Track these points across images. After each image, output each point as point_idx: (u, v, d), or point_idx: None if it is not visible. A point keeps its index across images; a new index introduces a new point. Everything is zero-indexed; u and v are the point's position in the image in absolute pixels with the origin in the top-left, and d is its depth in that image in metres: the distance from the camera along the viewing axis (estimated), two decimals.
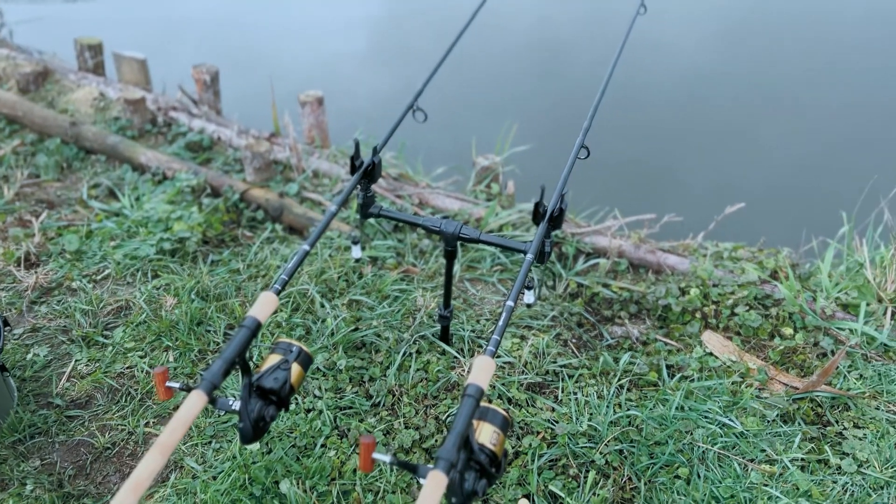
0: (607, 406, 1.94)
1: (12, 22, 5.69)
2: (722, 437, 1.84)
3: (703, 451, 1.80)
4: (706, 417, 1.89)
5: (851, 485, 1.71)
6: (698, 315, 2.29)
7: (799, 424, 1.90)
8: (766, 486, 1.69)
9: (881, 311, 2.25)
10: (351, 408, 1.95)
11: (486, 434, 1.31)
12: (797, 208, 4.04)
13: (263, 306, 1.42)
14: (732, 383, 2.02)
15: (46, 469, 1.81)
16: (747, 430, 1.86)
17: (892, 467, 1.75)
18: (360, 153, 1.78)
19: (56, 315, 2.32)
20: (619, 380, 2.04)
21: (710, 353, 2.16)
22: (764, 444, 1.82)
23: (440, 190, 3.00)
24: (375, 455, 1.22)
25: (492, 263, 2.59)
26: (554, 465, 1.77)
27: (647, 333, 2.27)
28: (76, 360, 2.14)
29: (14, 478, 1.76)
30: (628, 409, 1.92)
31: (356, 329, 2.19)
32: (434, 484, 1.10)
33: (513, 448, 1.81)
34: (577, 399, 1.97)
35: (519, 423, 1.89)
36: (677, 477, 1.73)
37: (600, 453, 1.78)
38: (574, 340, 2.24)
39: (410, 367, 2.05)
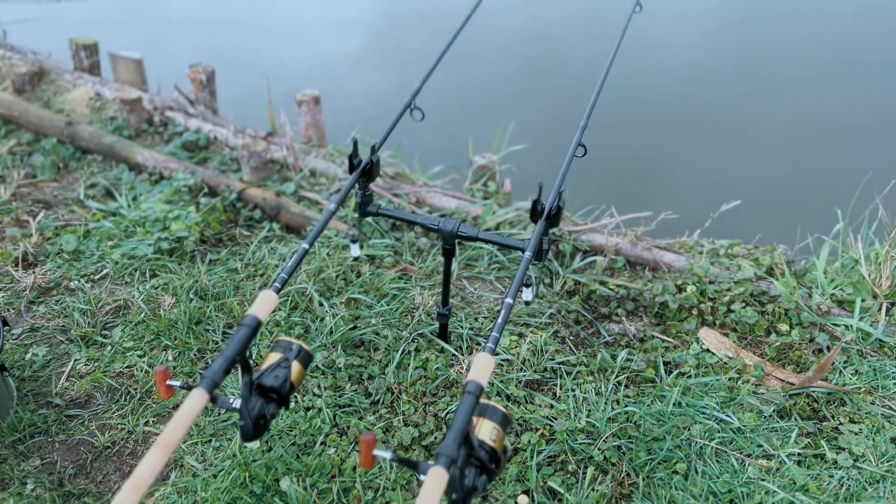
0: (605, 402, 1.95)
1: (6, 22, 5.68)
2: (719, 432, 1.85)
3: (701, 447, 1.81)
4: (703, 413, 1.91)
5: (847, 479, 1.73)
6: (695, 312, 2.31)
7: (795, 420, 1.91)
8: (763, 480, 1.70)
9: (876, 307, 2.26)
10: (350, 406, 1.96)
11: (485, 430, 1.32)
12: (792, 205, 4.06)
13: (263, 305, 1.43)
14: (729, 379, 2.04)
15: (47, 468, 1.81)
16: (744, 426, 1.87)
17: (887, 461, 1.77)
18: (359, 152, 1.79)
19: (54, 315, 2.32)
20: (617, 376, 2.05)
21: (707, 350, 2.18)
22: (761, 440, 1.84)
23: (437, 188, 3.00)
24: (376, 452, 1.23)
25: (489, 262, 2.59)
26: (553, 462, 1.78)
27: (644, 330, 2.28)
28: (75, 360, 2.14)
29: (14, 477, 1.77)
30: (626, 406, 1.93)
31: (355, 327, 2.20)
32: (435, 480, 1.11)
33: (512, 445, 1.82)
34: (575, 396, 1.98)
35: (518, 419, 1.90)
36: (675, 472, 1.75)
37: (599, 449, 1.79)
38: (572, 338, 2.25)
39: (409, 364, 2.06)
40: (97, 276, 2.49)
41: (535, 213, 1.65)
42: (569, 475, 1.74)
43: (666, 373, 2.08)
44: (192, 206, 2.83)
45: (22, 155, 3.33)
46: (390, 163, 3.28)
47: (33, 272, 2.49)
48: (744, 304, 2.29)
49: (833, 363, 2.08)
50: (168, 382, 1.39)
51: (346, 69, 6.26)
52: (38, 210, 2.89)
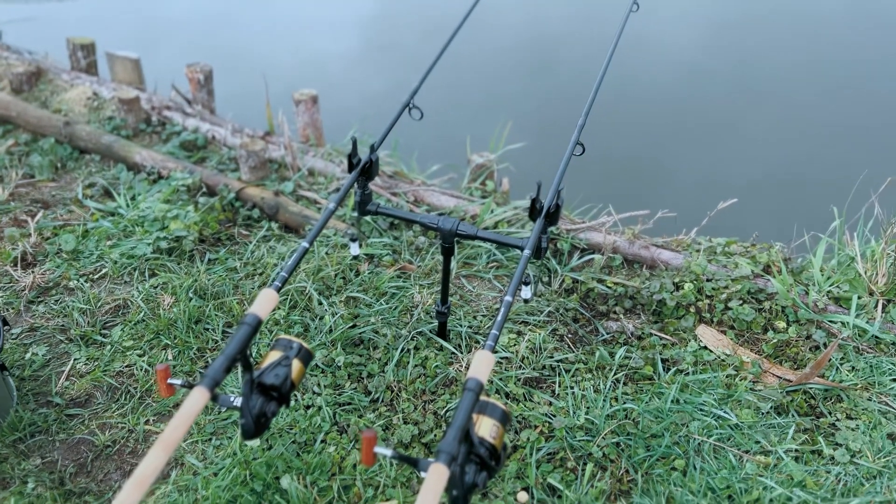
0: (604, 400, 1.96)
1: (2, 22, 5.67)
2: (717, 429, 1.86)
3: (699, 443, 1.82)
4: (701, 410, 1.92)
5: (844, 475, 1.74)
6: (692, 309, 2.32)
7: (793, 416, 1.93)
8: (760, 476, 1.72)
9: (872, 303, 2.28)
10: (350, 404, 1.96)
11: (485, 427, 1.33)
12: (789, 203, 4.08)
13: (264, 303, 1.44)
14: (727, 376, 2.05)
15: (47, 467, 1.82)
16: (742, 422, 1.88)
17: (884, 457, 1.78)
18: (358, 151, 1.80)
19: (54, 314, 2.32)
20: (615, 374, 2.06)
21: (705, 347, 2.19)
22: (758, 436, 1.85)
23: (435, 187, 3.01)
24: (377, 449, 1.24)
25: (487, 260, 2.60)
26: (552, 459, 1.79)
27: (641, 328, 2.29)
28: (75, 359, 2.15)
29: (15, 476, 1.77)
30: (624, 403, 1.94)
31: (354, 326, 2.21)
32: (436, 476, 1.12)
33: (511, 442, 1.83)
34: (573, 393, 1.99)
35: (517, 417, 1.91)
36: (674, 469, 1.76)
37: (597, 446, 1.81)
38: (570, 335, 2.26)
39: (408, 363, 2.07)
40: (96, 276, 2.49)
41: (533, 211, 1.66)
42: (568, 472, 1.75)
43: (664, 370, 2.09)
44: (191, 205, 2.84)
45: (20, 155, 3.33)
46: (388, 162, 3.29)
47: (32, 272, 2.49)
48: (741, 302, 2.31)
49: (830, 360, 2.09)
50: (169, 381, 1.39)
51: (342, 69, 6.27)
52: (36, 210, 2.89)
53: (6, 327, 2.21)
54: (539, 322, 2.27)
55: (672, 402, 1.93)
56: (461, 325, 2.22)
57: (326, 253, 2.53)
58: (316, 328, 2.20)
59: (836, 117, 5.13)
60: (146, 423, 1.95)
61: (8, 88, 3.92)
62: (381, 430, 1.88)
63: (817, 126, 5.05)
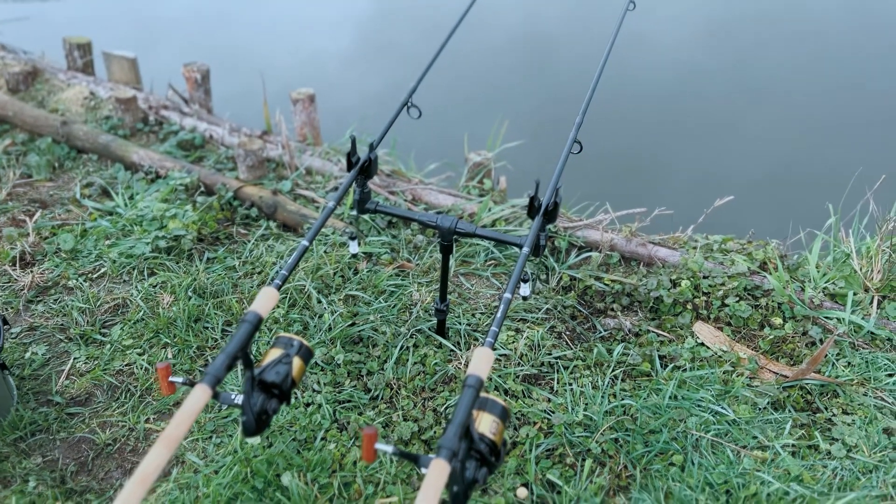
0: (602, 396, 1.97)
1: None
2: (714, 424, 1.88)
3: (697, 439, 1.84)
4: (699, 406, 1.93)
5: (841, 469, 1.75)
6: (689, 306, 2.33)
7: (789, 411, 1.94)
8: (758, 471, 1.73)
9: (867, 300, 2.29)
10: (350, 401, 1.97)
11: (485, 424, 1.34)
12: (785, 200, 4.10)
13: (265, 301, 1.45)
14: (724, 372, 2.06)
15: (48, 466, 1.82)
16: (739, 418, 1.90)
17: (880, 451, 1.79)
18: (357, 149, 1.80)
19: (53, 314, 2.32)
20: (613, 370, 2.07)
21: (702, 344, 2.20)
22: (755, 431, 1.86)
23: (433, 186, 3.02)
24: (378, 445, 1.25)
25: (485, 258, 2.61)
26: (551, 455, 1.81)
27: (639, 325, 2.30)
28: (75, 358, 2.15)
29: (16, 475, 1.78)
30: (622, 399, 1.96)
31: (353, 324, 2.22)
32: (437, 472, 1.12)
33: (510, 438, 1.84)
34: (572, 390, 2.00)
35: (516, 413, 1.92)
36: (672, 464, 1.77)
37: (596, 442, 1.82)
38: (568, 333, 2.27)
39: (408, 360, 2.08)
40: (95, 275, 2.50)
41: (532, 209, 1.67)
42: (567, 468, 1.76)
43: (661, 366, 2.10)
44: (189, 204, 2.84)
45: (17, 154, 3.33)
46: (386, 160, 3.29)
47: (31, 271, 2.49)
48: (738, 299, 2.32)
49: (826, 356, 2.11)
50: (170, 379, 1.40)
51: (339, 68, 6.27)
52: (34, 210, 2.89)
53: (6, 326, 2.22)
54: (537, 319, 2.29)
55: (670, 398, 1.95)
56: (460, 323, 2.23)
57: (325, 251, 2.54)
58: (315, 326, 2.21)
59: (831, 115, 5.15)
60: (146, 421, 1.95)
61: (4, 88, 3.92)
62: (381, 427, 1.89)
63: (813, 124, 5.07)
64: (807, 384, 2.02)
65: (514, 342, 2.15)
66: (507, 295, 1.48)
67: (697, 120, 5.17)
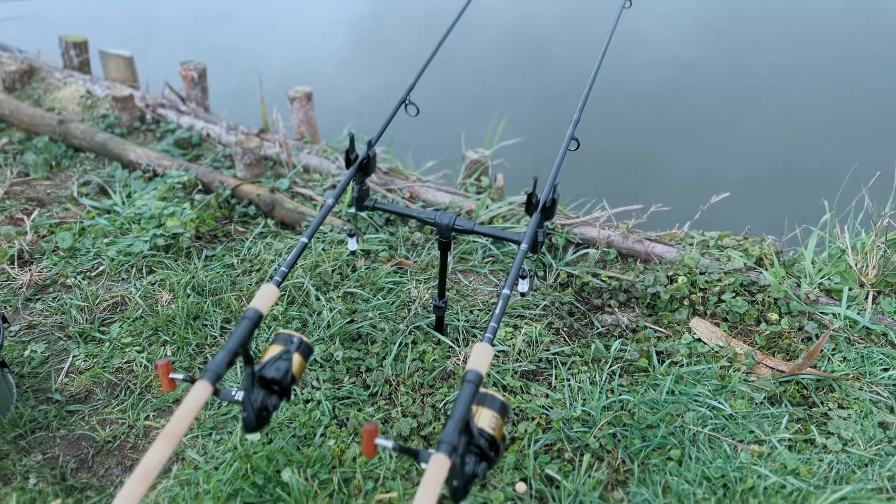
0: (600, 391, 1.98)
1: None
2: (712, 419, 1.89)
3: (694, 434, 1.85)
4: (696, 401, 1.95)
5: (837, 463, 1.77)
6: (686, 302, 2.34)
7: (786, 406, 1.96)
8: (755, 465, 1.74)
9: (863, 295, 2.31)
10: (349, 398, 1.98)
11: (485, 419, 1.35)
12: (780, 197, 4.12)
13: (265, 298, 1.45)
14: (721, 368, 2.07)
15: (49, 463, 1.83)
16: (736, 413, 1.91)
17: (875, 445, 1.81)
18: (355, 147, 1.81)
19: (52, 312, 2.33)
20: (611, 366, 2.08)
21: (699, 339, 2.22)
22: (752, 426, 1.87)
23: (430, 184, 3.03)
24: (378, 441, 1.25)
25: (483, 255, 2.62)
26: (549, 450, 1.82)
27: (636, 321, 2.31)
28: (74, 356, 2.16)
29: (17, 472, 1.78)
30: (620, 395, 1.97)
31: (352, 321, 2.22)
32: (437, 466, 1.13)
33: (509, 434, 1.85)
34: (570, 385, 2.01)
35: (514, 409, 1.93)
36: (669, 458, 1.78)
37: (594, 437, 1.83)
38: (566, 329, 2.28)
39: (406, 357, 2.09)
40: (93, 273, 2.50)
41: (529, 206, 1.68)
42: (565, 463, 1.78)
43: (658, 362, 2.12)
44: (187, 202, 2.85)
45: (14, 153, 3.33)
46: (384, 158, 3.30)
47: (29, 270, 2.49)
48: (734, 294, 2.33)
49: (822, 351, 2.12)
50: (171, 376, 1.41)
51: (334, 67, 6.27)
52: (31, 208, 2.89)
53: (5, 324, 2.22)
54: (535, 316, 2.30)
55: (667, 393, 1.96)
56: (458, 320, 2.24)
57: (323, 249, 2.54)
58: (314, 323, 2.22)
59: (826, 112, 5.17)
60: (146, 418, 1.96)
61: (0, 87, 3.91)
62: (381, 423, 1.90)
63: (808, 121, 5.09)
64: (803, 379, 2.03)
65: (512, 338, 2.16)
66: (506, 291, 1.48)
67: (694, 117, 5.18)
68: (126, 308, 2.34)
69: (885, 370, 2.06)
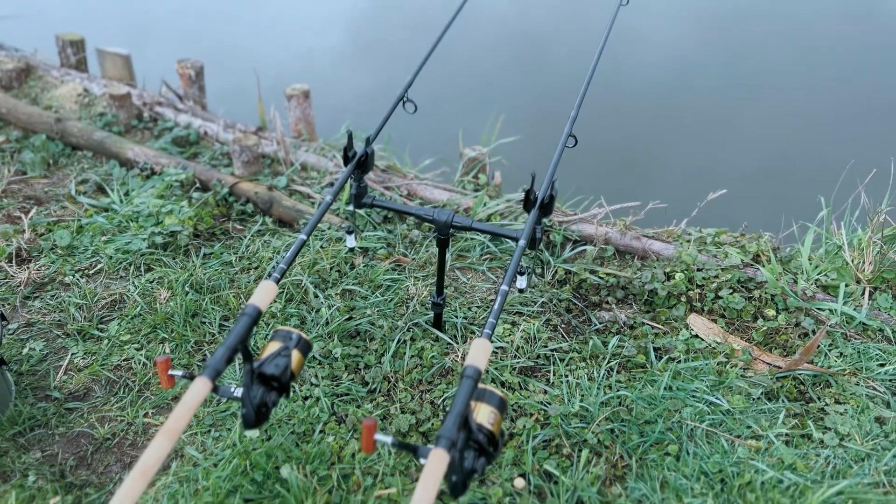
0: (598, 387, 1.99)
1: None
2: (709, 414, 1.90)
3: (692, 429, 1.86)
4: (693, 396, 1.95)
5: (834, 457, 1.78)
6: (683, 299, 2.35)
7: (783, 401, 1.96)
8: (752, 460, 1.75)
9: (859, 291, 2.32)
10: (348, 394, 1.99)
11: (483, 414, 1.35)
12: (777, 194, 4.13)
13: (264, 294, 1.46)
14: (718, 364, 2.08)
15: (48, 460, 1.83)
16: (733, 408, 1.92)
17: (872, 440, 1.82)
18: (353, 144, 1.81)
19: (50, 310, 2.33)
20: (609, 362, 2.09)
21: (696, 336, 2.22)
22: (749, 421, 1.88)
23: (428, 181, 3.03)
24: (377, 436, 1.26)
25: (481, 252, 2.63)
26: (548, 445, 1.82)
27: (634, 317, 2.32)
28: (72, 354, 2.16)
29: (16, 469, 1.78)
30: (618, 391, 1.97)
31: (350, 318, 2.23)
32: (436, 461, 1.14)
33: (507, 430, 1.86)
34: (568, 381, 2.02)
35: (513, 405, 1.93)
36: (667, 454, 1.79)
37: (592, 433, 1.84)
38: (563, 325, 2.29)
39: (405, 353, 2.09)
40: (92, 271, 2.50)
41: (528, 202, 1.68)
42: (564, 458, 1.78)
43: (656, 358, 2.12)
44: (185, 200, 2.85)
45: (11, 152, 3.32)
46: (381, 156, 3.30)
47: (27, 268, 2.49)
48: (731, 291, 2.34)
49: (818, 346, 2.13)
50: (170, 372, 1.41)
51: (331, 65, 6.27)
52: (29, 206, 2.89)
53: (3, 322, 2.22)
54: (533, 313, 2.30)
55: (665, 389, 1.97)
56: (456, 317, 2.25)
57: (321, 247, 2.55)
58: (312, 321, 2.22)
59: (823, 110, 5.19)
60: (145, 415, 1.96)
61: None
62: (379, 419, 1.90)
63: (805, 118, 5.11)
64: (800, 374, 2.04)
65: (510, 335, 2.17)
66: (504, 287, 1.49)
67: (691, 115, 5.19)
68: (124, 306, 2.34)
69: (882, 366, 2.07)
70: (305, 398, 1.97)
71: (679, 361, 2.10)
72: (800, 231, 2.60)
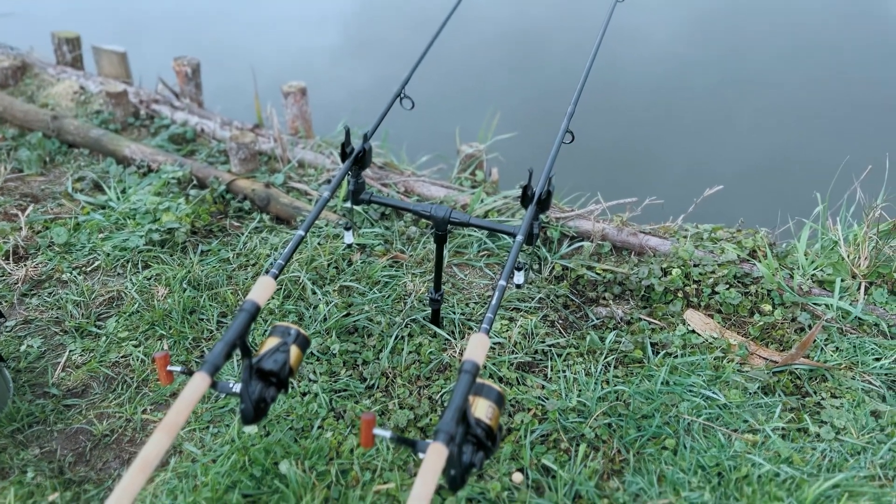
0: (595, 383, 2.00)
1: None
2: (706, 409, 1.91)
3: (689, 423, 1.86)
4: (690, 391, 1.96)
5: (830, 451, 1.79)
6: (680, 294, 2.36)
7: (779, 396, 1.97)
8: (749, 454, 1.76)
9: (855, 286, 2.33)
10: (346, 390, 1.99)
11: (481, 409, 1.36)
12: (773, 189, 4.14)
13: (262, 290, 1.46)
14: (714, 359, 2.09)
15: (46, 457, 1.83)
16: (730, 402, 1.93)
17: (867, 433, 1.83)
18: (351, 140, 1.82)
19: (48, 307, 2.33)
20: (606, 358, 2.10)
21: (693, 331, 2.23)
22: (746, 415, 1.89)
23: (425, 178, 3.03)
24: (376, 431, 1.26)
25: (478, 249, 2.63)
26: (546, 440, 1.83)
27: (631, 313, 2.33)
28: (70, 351, 2.16)
29: (14, 466, 1.79)
30: (615, 385, 1.98)
31: (348, 314, 2.23)
32: (435, 455, 1.14)
33: (505, 425, 1.86)
34: (565, 377, 2.02)
35: (510, 400, 1.94)
36: (664, 448, 1.80)
37: (590, 427, 1.84)
38: (561, 321, 2.29)
39: (403, 349, 2.10)
40: (89, 268, 2.50)
41: (525, 198, 1.69)
42: (561, 453, 1.79)
43: (653, 353, 2.13)
44: (182, 197, 2.84)
45: (8, 149, 3.32)
46: (378, 153, 3.31)
47: (24, 265, 2.49)
48: (728, 286, 2.35)
49: (814, 341, 2.14)
50: (168, 368, 1.41)
51: (326, 64, 6.27)
52: (26, 204, 2.89)
53: (1, 319, 2.22)
54: (530, 308, 2.31)
55: (662, 383, 1.97)
56: (454, 313, 2.25)
57: (319, 243, 2.55)
58: (310, 317, 2.23)
59: (818, 106, 5.20)
60: (143, 412, 1.96)
61: None
62: (378, 415, 1.91)
63: (800, 115, 5.12)
64: (796, 369, 2.05)
65: (507, 331, 2.18)
66: (502, 282, 1.50)
67: (687, 111, 5.20)
68: (122, 303, 2.34)
69: (877, 360, 2.08)
70: (304, 394, 1.97)
71: (676, 356, 2.10)
72: (796, 227, 2.61)
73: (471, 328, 2.21)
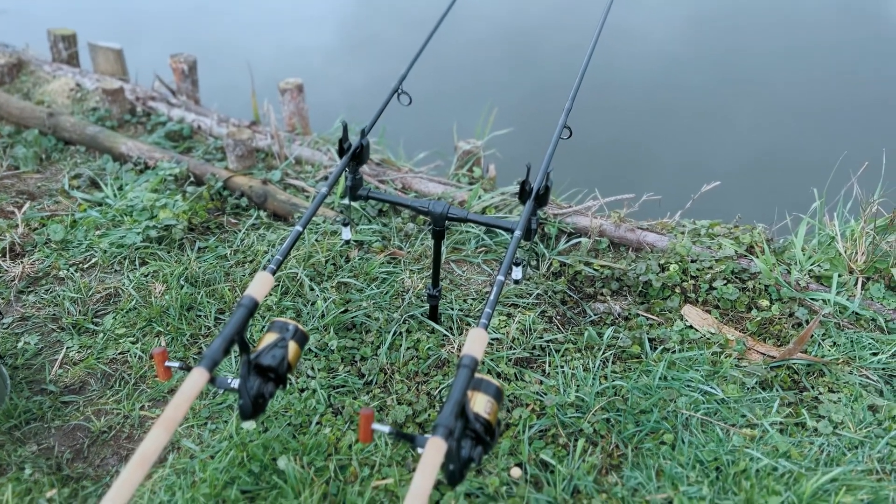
0: (593, 378, 2.00)
1: None
2: (704, 404, 1.91)
3: (687, 418, 1.87)
4: (688, 386, 1.96)
5: (828, 445, 1.79)
6: (678, 290, 2.36)
7: (777, 390, 1.98)
8: (747, 448, 1.76)
9: (852, 281, 2.33)
10: (344, 386, 1.99)
11: (480, 403, 1.36)
12: (771, 185, 4.15)
13: (260, 285, 1.46)
14: (712, 354, 2.09)
15: (44, 453, 1.83)
16: (728, 397, 1.93)
17: (865, 428, 1.83)
18: (349, 136, 1.81)
19: (45, 304, 2.32)
20: (604, 353, 2.10)
21: (690, 326, 2.23)
22: (744, 410, 1.90)
23: (423, 175, 3.03)
24: (375, 426, 1.26)
25: (476, 245, 2.63)
26: (544, 435, 1.83)
27: (628, 309, 2.33)
28: (67, 347, 2.15)
29: (12, 462, 1.78)
30: (613, 381, 1.98)
31: (346, 311, 2.23)
32: (434, 450, 1.14)
33: (504, 420, 1.86)
34: (563, 372, 2.03)
35: (509, 396, 1.94)
36: (662, 443, 1.80)
37: (588, 422, 1.84)
38: (559, 317, 2.29)
39: (401, 345, 2.10)
40: (86, 265, 2.50)
41: (523, 193, 1.69)
42: (560, 448, 1.79)
43: (651, 349, 2.13)
44: (179, 194, 2.84)
45: (3, 146, 3.31)
46: (376, 149, 3.30)
47: (21, 262, 2.48)
48: (725, 282, 2.35)
49: (812, 336, 2.15)
50: (166, 364, 1.41)
51: (322, 62, 6.25)
52: (22, 201, 2.88)
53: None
54: (528, 304, 2.31)
55: (660, 378, 1.98)
56: (452, 309, 2.25)
57: (316, 240, 2.55)
58: (308, 313, 2.22)
59: (815, 102, 5.21)
60: (141, 408, 1.96)
61: None
62: (376, 411, 1.91)
63: (797, 111, 5.13)
64: (794, 364, 2.06)
65: (505, 326, 2.18)
66: (500, 278, 1.49)
67: (684, 108, 5.21)
68: (119, 299, 2.34)
69: (875, 354, 2.09)
70: (302, 390, 1.97)
71: (674, 352, 2.11)
72: (793, 222, 2.62)
73: (469, 324, 2.21)
